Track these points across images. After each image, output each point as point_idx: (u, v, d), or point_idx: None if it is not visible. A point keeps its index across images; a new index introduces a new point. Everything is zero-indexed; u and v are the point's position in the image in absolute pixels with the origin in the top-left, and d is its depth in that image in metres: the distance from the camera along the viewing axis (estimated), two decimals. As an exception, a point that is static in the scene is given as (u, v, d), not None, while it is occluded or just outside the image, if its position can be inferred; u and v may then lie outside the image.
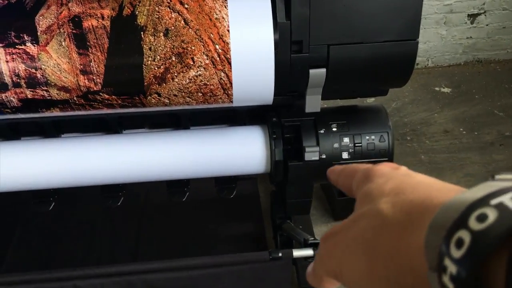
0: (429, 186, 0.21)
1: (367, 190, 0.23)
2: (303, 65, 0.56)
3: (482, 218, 0.16)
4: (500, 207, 0.16)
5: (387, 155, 0.67)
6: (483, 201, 0.16)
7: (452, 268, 0.16)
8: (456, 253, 0.16)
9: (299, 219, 0.84)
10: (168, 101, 0.53)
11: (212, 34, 0.49)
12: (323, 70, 0.57)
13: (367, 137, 0.66)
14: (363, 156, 0.66)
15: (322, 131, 0.65)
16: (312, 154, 0.64)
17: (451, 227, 0.16)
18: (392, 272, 0.19)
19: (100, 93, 0.51)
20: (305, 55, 0.55)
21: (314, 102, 0.61)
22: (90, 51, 0.49)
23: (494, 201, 0.16)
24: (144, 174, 0.67)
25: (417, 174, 0.23)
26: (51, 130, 0.67)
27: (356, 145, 0.66)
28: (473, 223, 0.16)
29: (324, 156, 0.65)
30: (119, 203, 0.71)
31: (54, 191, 0.72)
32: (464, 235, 0.16)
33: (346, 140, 0.65)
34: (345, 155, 0.66)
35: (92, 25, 0.48)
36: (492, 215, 0.15)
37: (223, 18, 0.49)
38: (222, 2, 0.50)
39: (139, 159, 0.66)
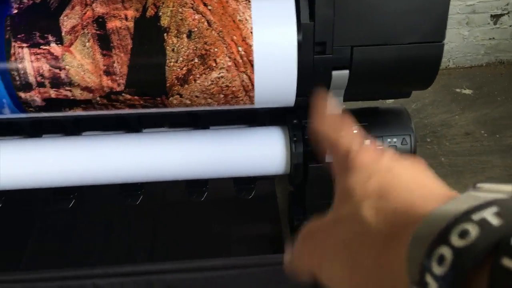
0: (413, 191, 0.20)
1: (347, 185, 0.22)
2: (326, 66, 0.55)
3: (463, 234, 0.15)
4: (482, 223, 0.15)
5: (409, 159, 0.66)
6: (465, 216, 0.16)
7: (433, 285, 0.15)
8: (438, 270, 0.15)
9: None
10: (189, 102, 0.53)
11: (235, 36, 0.49)
12: (346, 72, 0.56)
13: (388, 140, 0.65)
14: (384, 159, 0.65)
15: (343, 133, 0.64)
16: (331, 156, 0.63)
17: (433, 243, 0.16)
18: (373, 284, 0.19)
19: (123, 94, 0.51)
20: (328, 56, 0.54)
21: (336, 104, 0.61)
22: (114, 52, 0.49)
23: (476, 217, 0.16)
24: (163, 173, 0.67)
25: (400, 170, 0.22)
26: (71, 128, 0.68)
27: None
28: (455, 240, 0.15)
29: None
30: (138, 202, 0.71)
31: (74, 189, 0.73)
32: (446, 251, 0.15)
33: (367, 142, 0.64)
34: (366, 157, 0.65)
35: (116, 26, 0.48)
36: (474, 231, 0.15)
37: (246, 19, 0.49)
38: (246, 3, 0.49)
39: (158, 158, 0.66)
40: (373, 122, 0.66)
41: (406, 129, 0.66)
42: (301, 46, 0.52)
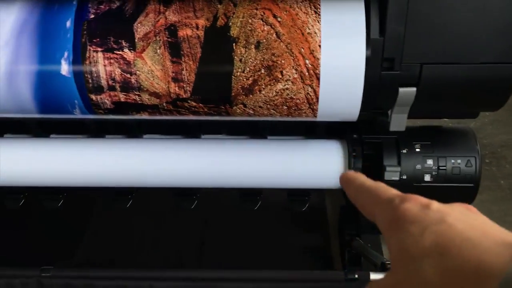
0: (475, 243, 0.19)
1: (401, 243, 0.21)
2: (393, 82, 0.54)
3: None
4: None
5: (473, 181, 0.63)
6: None
7: None
8: None
9: (369, 237, 0.81)
10: (252, 112, 0.53)
11: (303, 49, 0.49)
12: (413, 89, 0.54)
13: (452, 161, 0.63)
14: (446, 180, 0.63)
15: (404, 151, 0.63)
16: (392, 174, 0.62)
17: None
18: None
19: (189, 101, 0.52)
20: (396, 72, 0.53)
21: (399, 121, 0.59)
22: (183, 59, 0.50)
23: None
24: (219, 180, 0.68)
25: (453, 219, 0.21)
26: (134, 130, 0.70)
27: (440, 168, 0.62)
28: None
29: (404, 177, 0.62)
30: (192, 207, 0.72)
31: (132, 189, 0.74)
32: None
33: (429, 162, 0.62)
34: (427, 177, 0.63)
35: (187, 35, 0.49)
36: None
37: (315, 33, 0.49)
38: (315, 16, 0.49)
39: (215, 165, 0.67)
40: (436, 141, 0.64)
41: (471, 150, 0.64)
42: (369, 61, 0.51)
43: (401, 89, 0.55)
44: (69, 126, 0.72)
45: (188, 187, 0.70)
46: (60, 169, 0.68)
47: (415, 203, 0.23)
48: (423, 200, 0.23)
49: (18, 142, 0.70)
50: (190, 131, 0.70)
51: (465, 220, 0.21)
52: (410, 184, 0.62)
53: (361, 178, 0.27)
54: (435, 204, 0.23)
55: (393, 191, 0.24)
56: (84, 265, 0.82)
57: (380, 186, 0.25)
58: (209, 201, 0.91)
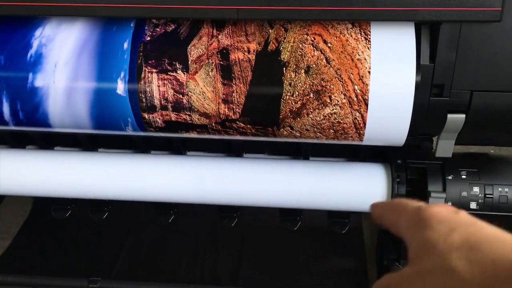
0: (505, 242, 0.19)
1: (427, 237, 0.21)
2: (442, 109, 0.54)
3: None
4: None
5: (521, 211, 0.62)
6: None
7: None
8: None
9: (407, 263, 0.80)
10: (299, 135, 0.54)
11: (352, 75, 0.49)
12: (462, 116, 0.54)
13: (499, 189, 0.62)
14: (493, 208, 0.62)
15: (450, 177, 0.62)
16: (437, 200, 0.61)
17: None
18: None
19: (237, 122, 0.53)
20: (445, 99, 0.53)
21: (446, 147, 0.59)
22: (234, 82, 0.51)
23: None
24: (260, 199, 0.68)
25: (482, 224, 0.21)
26: (178, 147, 0.72)
27: (487, 196, 0.61)
28: None
29: (450, 204, 0.61)
30: (233, 224, 0.73)
31: (173, 205, 0.76)
32: None
33: (476, 189, 0.61)
34: (473, 205, 0.62)
35: (238, 58, 0.51)
36: None
37: (365, 59, 0.49)
38: (366, 43, 0.50)
39: (257, 184, 0.68)
40: (483, 168, 0.63)
41: (520, 179, 0.62)
42: (418, 87, 0.51)
43: (449, 116, 0.54)
44: (115, 141, 0.75)
45: (229, 205, 0.71)
46: (107, 182, 0.71)
47: (444, 208, 0.23)
48: (452, 207, 0.24)
49: (67, 154, 0.73)
50: (233, 149, 0.71)
51: (496, 231, 0.21)
52: (455, 212, 0.61)
53: (388, 201, 0.29)
54: (464, 212, 0.23)
55: (420, 202, 0.25)
56: (124, 277, 0.84)
57: (406, 200, 0.26)
58: (247, 219, 0.92)
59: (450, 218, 0.22)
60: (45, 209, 0.88)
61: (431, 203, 0.62)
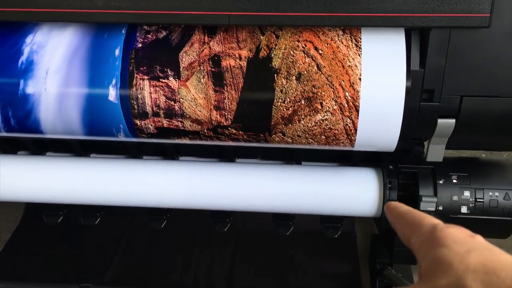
0: None
1: (442, 255, 0.21)
2: (432, 114, 0.54)
3: None
4: None
5: (511, 215, 0.62)
6: None
7: None
8: None
9: (400, 267, 0.80)
10: (290, 141, 0.54)
11: (343, 81, 0.50)
12: (452, 121, 0.55)
13: (490, 193, 0.62)
14: (483, 212, 0.62)
15: (441, 182, 0.62)
16: (428, 204, 0.61)
17: None
18: None
19: (229, 128, 0.53)
20: (435, 104, 0.53)
21: (437, 152, 0.59)
22: (226, 89, 0.51)
23: None
24: (253, 204, 0.68)
25: (499, 250, 0.21)
26: (171, 152, 0.72)
27: (478, 200, 0.62)
28: None
29: (441, 208, 0.62)
30: (225, 229, 0.73)
31: (166, 210, 0.76)
32: None
33: (466, 193, 0.62)
34: (464, 209, 0.62)
35: (230, 65, 0.51)
36: None
37: (355, 66, 0.50)
38: (356, 50, 0.50)
39: (249, 189, 0.68)
40: (474, 173, 0.63)
41: (510, 183, 0.63)
42: (409, 93, 0.52)
43: (440, 120, 0.55)
44: (107, 146, 0.75)
45: (221, 210, 0.71)
46: (99, 188, 0.71)
47: (460, 229, 0.24)
48: (468, 231, 0.24)
49: (59, 160, 0.73)
50: (226, 154, 0.71)
51: (509, 254, 0.21)
52: (447, 215, 0.62)
53: (406, 206, 0.29)
54: (480, 236, 0.23)
55: (437, 220, 0.25)
56: (117, 283, 0.83)
57: (425, 214, 0.26)
58: (241, 224, 0.92)
59: (466, 240, 0.22)
60: (37, 215, 0.87)
61: (422, 207, 0.62)
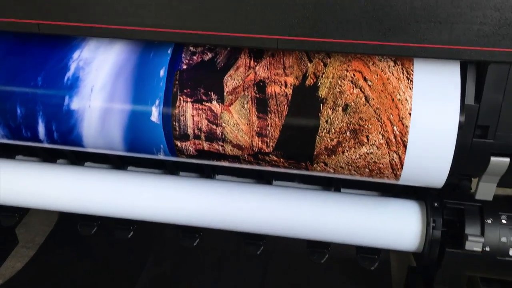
0: None
1: None
2: (485, 151, 0.51)
3: None
4: None
5: None
6: None
7: None
8: None
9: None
10: (332, 171, 0.52)
11: (392, 115, 0.48)
12: (507, 160, 0.52)
13: (543, 236, 0.58)
14: (534, 256, 0.58)
15: (489, 221, 0.59)
16: (474, 244, 0.58)
17: None
18: None
19: (270, 155, 0.52)
20: (489, 141, 0.51)
21: (487, 190, 0.56)
22: (269, 116, 0.50)
23: None
24: (289, 229, 0.67)
25: None
26: (208, 170, 0.71)
27: (528, 243, 0.58)
28: None
29: (487, 249, 0.58)
30: (258, 252, 0.72)
31: (199, 229, 0.75)
32: None
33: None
34: (512, 252, 0.58)
35: (275, 91, 0.50)
36: None
37: (406, 100, 0.47)
38: (408, 83, 0.48)
39: (285, 214, 0.66)
40: (526, 213, 0.60)
41: None
42: (462, 128, 0.49)
43: (493, 158, 0.52)
44: (145, 160, 0.75)
45: (255, 233, 0.70)
46: (134, 202, 0.70)
47: None
48: None
49: (97, 172, 0.74)
50: (263, 176, 0.70)
51: None
52: (493, 257, 0.58)
53: None
54: None
55: None
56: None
57: None
58: (273, 244, 0.90)
59: None
60: (71, 220, 0.88)
61: (467, 247, 0.59)
